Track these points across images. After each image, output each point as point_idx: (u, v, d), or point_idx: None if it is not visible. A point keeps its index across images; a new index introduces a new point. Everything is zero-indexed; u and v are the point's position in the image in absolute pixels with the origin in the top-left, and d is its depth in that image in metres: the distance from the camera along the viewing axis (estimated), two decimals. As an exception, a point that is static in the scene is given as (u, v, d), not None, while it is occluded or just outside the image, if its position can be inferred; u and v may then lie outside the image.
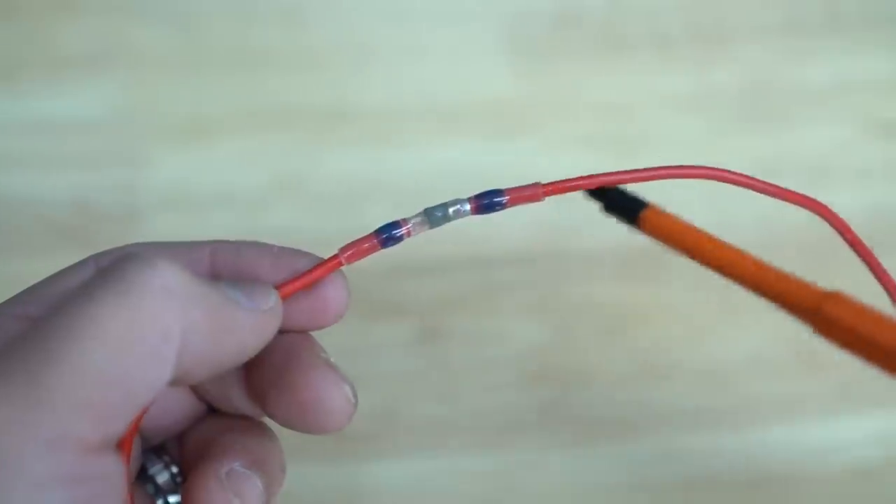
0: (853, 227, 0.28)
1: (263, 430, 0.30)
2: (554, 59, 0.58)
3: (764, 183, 0.29)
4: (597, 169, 0.50)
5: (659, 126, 0.57)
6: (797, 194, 0.29)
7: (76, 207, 0.55)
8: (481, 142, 0.57)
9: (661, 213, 0.31)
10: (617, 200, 0.33)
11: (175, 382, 0.25)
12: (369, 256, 0.30)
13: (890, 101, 0.58)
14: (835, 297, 0.28)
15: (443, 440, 0.51)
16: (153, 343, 0.24)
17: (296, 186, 0.55)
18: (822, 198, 0.28)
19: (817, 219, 0.29)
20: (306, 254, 0.29)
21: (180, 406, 0.30)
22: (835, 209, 0.28)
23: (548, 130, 0.57)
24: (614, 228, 0.55)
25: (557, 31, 0.59)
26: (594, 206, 0.53)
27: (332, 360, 0.29)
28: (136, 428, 0.26)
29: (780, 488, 0.50)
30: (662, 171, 0.28)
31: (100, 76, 0.57)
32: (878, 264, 0.28)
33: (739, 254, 0.28)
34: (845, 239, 0.28)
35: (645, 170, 0.29)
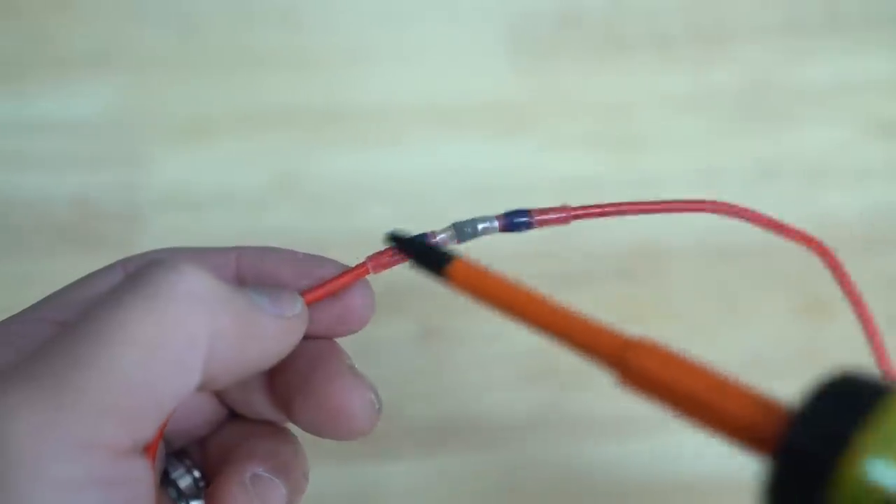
0: (855, 232, 0.28)
1: (287, 435, 0.31)
2: (554, 58, 0.58)
3: (767, 219, 0.30)
4: (597, 169, 0.50)
5: (659, 126, 0.57)
6: (790, 229, 0.30)
7: (76, 207, 0.55)
8: (481, 142, 0.57)
9: (469, 266, 0.28)
10: (423, 254, 0.29)
11: (202, 387, 0.25)
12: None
13: (890, 101, 0.58)
14: (638, 347, 0.24)
15: (443, 440, 0.51)
16: (180, 348, 0.24)
17: (295, 186, 0.55)
18: (821, 198, 0.29)
19: (811, 225, 0.30)
20: (332, 261, 0.30)
21: (203, 410, 0.30)
22: (835, 209, 0.28)
23: (548, 130, 0.57)
24: (614, 228, 0.55)
25: (558, 30, 0.59)
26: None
27: (356, 366, 0.29)
28: (162, 432, 0.26)
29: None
30: (679, 206, 0.29)
31: (100, 76, 0.57)
32: (865, 311, 0.29)
33: (542, 302, 0.26)
34: (831, 269, 0.29)
35: (662, 202, 0.29)
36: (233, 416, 0.31)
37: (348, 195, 0.55)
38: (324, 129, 0.57)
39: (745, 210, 0.30)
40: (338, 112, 0.57)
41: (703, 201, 0.30)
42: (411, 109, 0.57)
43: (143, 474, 0.24)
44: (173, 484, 0.30)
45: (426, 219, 0.56)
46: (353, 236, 0.54)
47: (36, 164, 0.56)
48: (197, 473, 0.30)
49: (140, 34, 0.58)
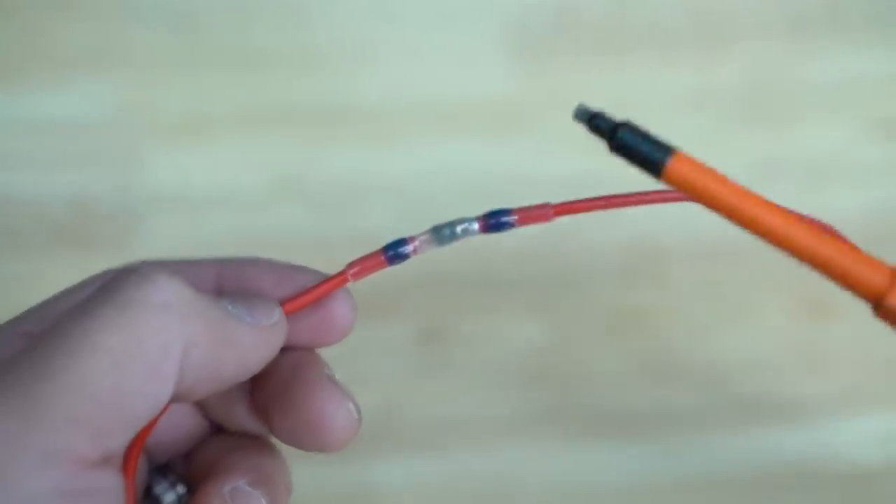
0: (855, 231, 0.27)
1: (270, 448, 0.30)
2: (554, 58, 0.58)
3: None
4: (597, 168, 0.50)
5: (660, 125, 0.57)
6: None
7: (74, 207, 0.54)
8: (481, 141, 0.56)
9: (693, 163, 0.25)
10: (631, 143, 0.26)
11: (178, 398, 0.25)
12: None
13: (891, 101, 0.58)
14: None
15: (443, 440, 0.51)
16: (152, 358, 0.24)
17: (295, 186, 0.55)
18: (822, 198, 0.29)
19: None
20: (311, 270, 0.29)
21: (186, 424, 0.30)
22: (836, 208, 0.28)
23: (548, 130, 0.57)
24: (615, 228, 0.55)
25: (558, 29, 0.59)
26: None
27: (336, 376, 0.29)
28: (141, 445, 0.26)
29: (781, 489, 0.50)
30: (669, 196, 0.28)
31: (98, 76, 0.57)
32: None
33: (785, 217, 0.24)
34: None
35: (656, 192, 0.29)
36: (217, 430, 0.31)
37: (348, 195, 0.55)
38: (323, 128, 0.56)
39: None
40: (337, 111, 0.57)
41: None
42: (411, 109, 0.57)
43: (110, 485, 0.24)
44: (157, 499, 0.29)
45: (426, 218, 0.56)
46: (353, 236, 0.54)
47: (33, 164, 0.55)
48: (181, 489, 0.30)
49: (138, 33, 0.58)
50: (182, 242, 0.54)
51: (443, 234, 0.29)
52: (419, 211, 0.54)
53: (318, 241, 0.54)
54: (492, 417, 0.51)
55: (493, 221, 0.29)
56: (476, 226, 0.29)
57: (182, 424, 0.30)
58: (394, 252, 0.29)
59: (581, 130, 0.62)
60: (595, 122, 0.27)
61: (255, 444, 0.30)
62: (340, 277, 0.29)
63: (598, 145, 0.54)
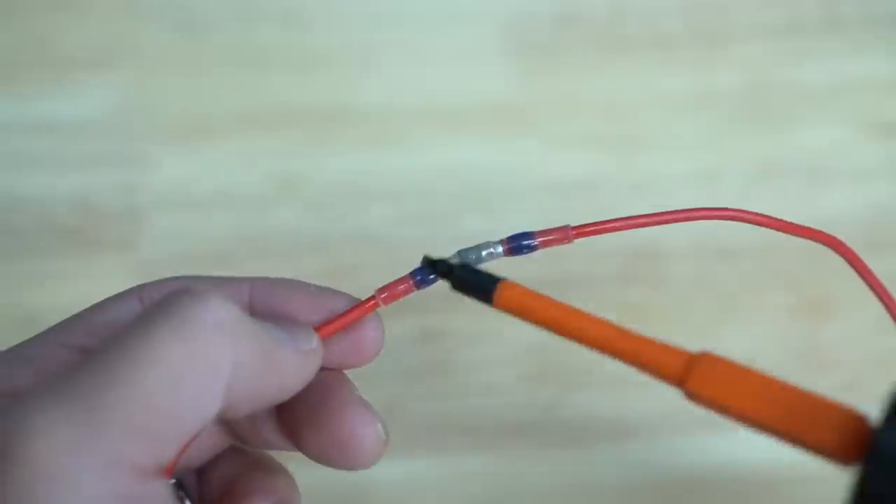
0: (855, 232, 0.28)
1: (284, 471, 0.32)
2: (555, 59, 0.58)
3: (777, 220, 0.30)
4: (597, 169, 0.51)
5: (659, 126, 0.57)
6: (806, 228, 0.30)
7: (77, 207, 0.55)
8: (482, 142, 0.57)
9: (516, 288, 0.28)
10: (466, 279, 0.28)
11: (219, 416, 0.25)
12: (369, 257, 0.30)
13: (890, 102, 0.58)
14: (698, 369, 0.25)
15: (443, 440, 0.51)
16: (205, 375, 0.24)
17: (296, 187, 0.55)
18: (819, 198, 0.29)
19: (814, 219, 0.30)
20: (343, 294, 0.30)
21: (207, 440, 0.31)
22: (834, 209, 0.28)
23: (548, 130, 0.57)
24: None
25: (558, 31, 0.59)
26: (594, 206, 0.53)
27: (364, 398, 0.30)
28: (181, 458, 0.26)
29: (781, 489, 0.50)
30: (694, 213, 0.30)
31: (101, 76, 0.57)
32: (883, 288, 0.29)
33: (597, 322, 0.27)
34: (851, 264, 0.29)
35: (672, 212, 0.30)
36: (230, 447, 0.31)
37: (349, 195, 0.55)
38: (324, 129, 0.57)
39: (760, 216, 0.30)
40: (339, 112, 0.57)
41: (717, 209, 0.30)
42: (412, 110, 0.57)
43: (163, 493, 0.24)
44: None
45: (427, 218, 0.56)
46: (354, 236, 0.54)
47: (36, 165, 0.56)
48: None
49: (140, 34, 0.58)
50: (185, 242, 0.54)
51: (468, 258, 0.30)
52: (419, 211, 0.54)
53: (318, 241, 0.54)
54: (491, 417, 0.51)
55: (516, 245, 0.30)
56: (500, 249, 0.30)
57: (204, 440, 0.30)
58: (421, 277, 0.30)
59: (580, 131, 0.62)
60: (437, 266, 0.29)
61: (270, 466, 0.31)
62: (371, 303, 0.30)
63: (597, 146, 0.54)
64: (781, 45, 0.59)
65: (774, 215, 0.30)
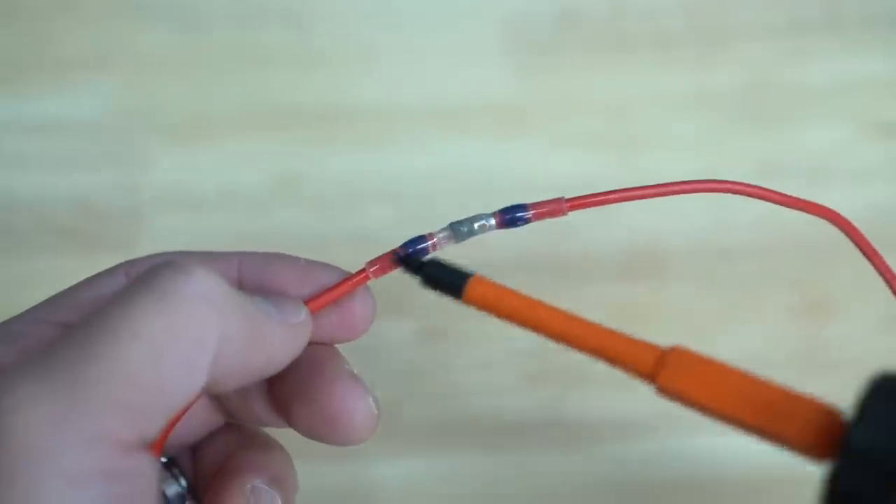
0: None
1: (280, 448, 0.31)
2: (554, 59, 0.58)
3: (778, 193, 0.30)
4: (596, 169, 0.50)
5: (659, 126, 0.57)
6: (807, 202, 0.30)
7: (77, 208, 0.55)
8: (482, 142, 0.57)
9: (486, 284, 0.28)
10: (436, 275, 0.28)
11: (205, 390, 0.25)
12: (368, 257, 0.30)
13: (890, 102, 0.58)
14: (669, 364, 0.25)
15: (443, 440, 0.51)
16: (188, 349, 0.24)
17: (296, 186, 0.55)
18: (822, 198, 0.29)
19: (814, 219, 0.29)
20: (333, 267, 0.30)
21: (199, 416, 0.31)
22: (834, 209, 0.28)
23: (548, 130, 0.57)
24: (614, 227, 0.55)
25: (558, 31, 0.59)
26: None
27: (355, 371, 0.29)
28: (169, 433, 0.26)
29: (781, 489, 0.50)
30: (686, 186, 0.29)
31: (101, 77, 0.57)
32: (887, 268, 0.28)
33: (567, 317, 0.26)
34: (854, 241, 0.29)
35: (666, 185, 0.29)
36: (225, 424, 0.31)
37: (349, 195, 0.55)
38: (324, 129, 0.57)
39: (757, 188, 0.30)
40: (339, 112, 0.57)
41: (713, 181, 0.29)
42: (412, 109, 0.57)
43: (146, 468, 0.24)
44: (160, 491, 0.30)
45: (427, 219, 0.56)
46: (354, 236, 0.54)
47: (36, 165, 0.56)
48: (184, 482, 0.30)
49: (140, 34, 0.58)
50: (185, 242, 0.53)
51: (460, 230, 0.30)
52: (419, 211, 0.54)
53: (318, 241, 0.54)
54: (491, 417, 0.51)
55: (509, 217, 0.30)
56: (493, 221, 0.30)
57: (195, 416, 0.30)
58: (413, 249, 0.29)
59: (580, 131, 0.62)
60: (406, 262, 0.29)
61: (265, 442, 0.31)
62: (361, 276, 0.29)
63: (597, 146, 0.54)
64: (782, 45, 0.59)
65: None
